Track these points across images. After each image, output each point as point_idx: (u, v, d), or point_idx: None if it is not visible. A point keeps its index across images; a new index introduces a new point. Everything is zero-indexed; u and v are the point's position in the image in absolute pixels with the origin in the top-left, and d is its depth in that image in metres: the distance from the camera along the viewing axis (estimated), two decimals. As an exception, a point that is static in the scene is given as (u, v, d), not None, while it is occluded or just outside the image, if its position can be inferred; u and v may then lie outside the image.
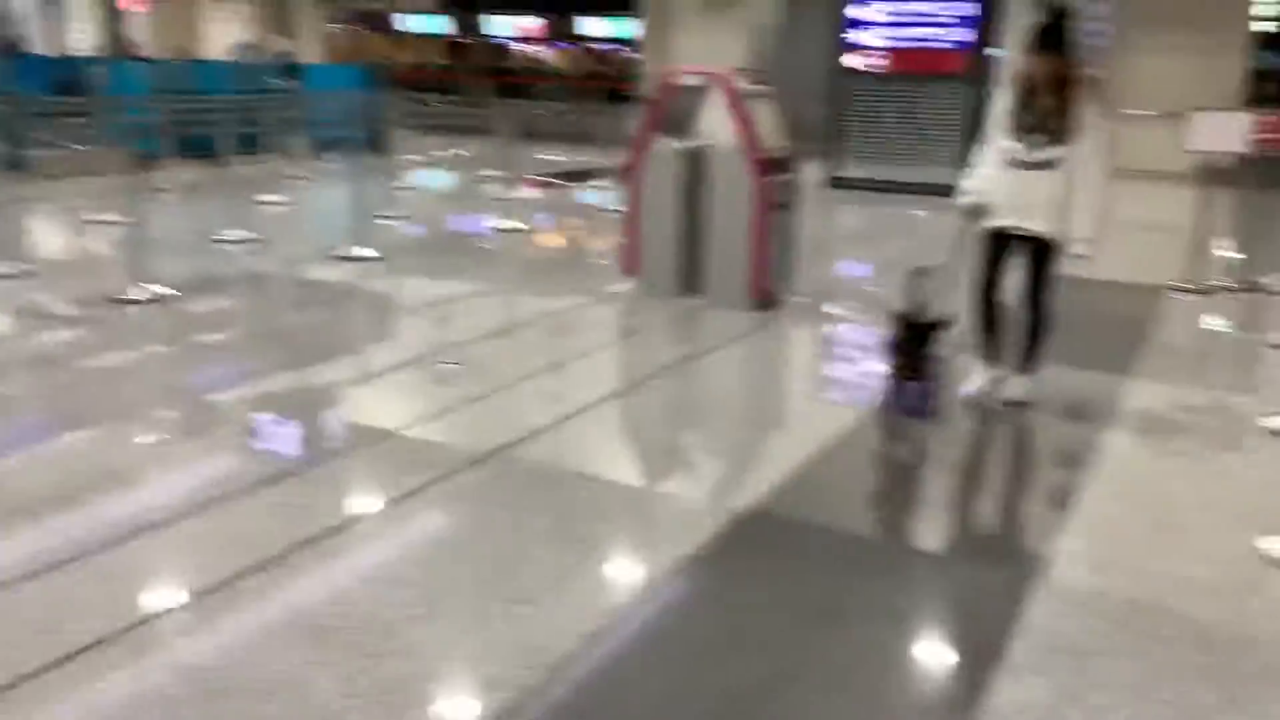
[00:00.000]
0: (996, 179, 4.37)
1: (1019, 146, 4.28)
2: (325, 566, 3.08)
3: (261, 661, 2.58)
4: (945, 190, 12.40)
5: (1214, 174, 7.49)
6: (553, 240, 9.63)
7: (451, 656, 2.66)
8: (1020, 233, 4.35)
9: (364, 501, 3.58)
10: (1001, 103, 4.40)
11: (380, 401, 4.73)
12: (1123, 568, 3.21)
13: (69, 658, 2.56)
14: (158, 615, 2.81)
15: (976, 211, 4.46)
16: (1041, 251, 4.37)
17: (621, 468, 3.98)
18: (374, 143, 14.85)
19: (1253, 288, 7.37)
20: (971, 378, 4.65)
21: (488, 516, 3.43)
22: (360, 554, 3.21)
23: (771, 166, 6.10)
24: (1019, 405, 4.54)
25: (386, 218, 9.33)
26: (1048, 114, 4.21)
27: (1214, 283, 7.42)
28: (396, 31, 32.64)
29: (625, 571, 3.19)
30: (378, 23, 31.61)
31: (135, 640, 2.67)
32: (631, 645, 2.74)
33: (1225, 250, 8.08)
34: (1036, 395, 4.59)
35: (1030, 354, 4.58)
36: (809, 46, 19.51)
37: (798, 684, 2.56)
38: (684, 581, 3.07)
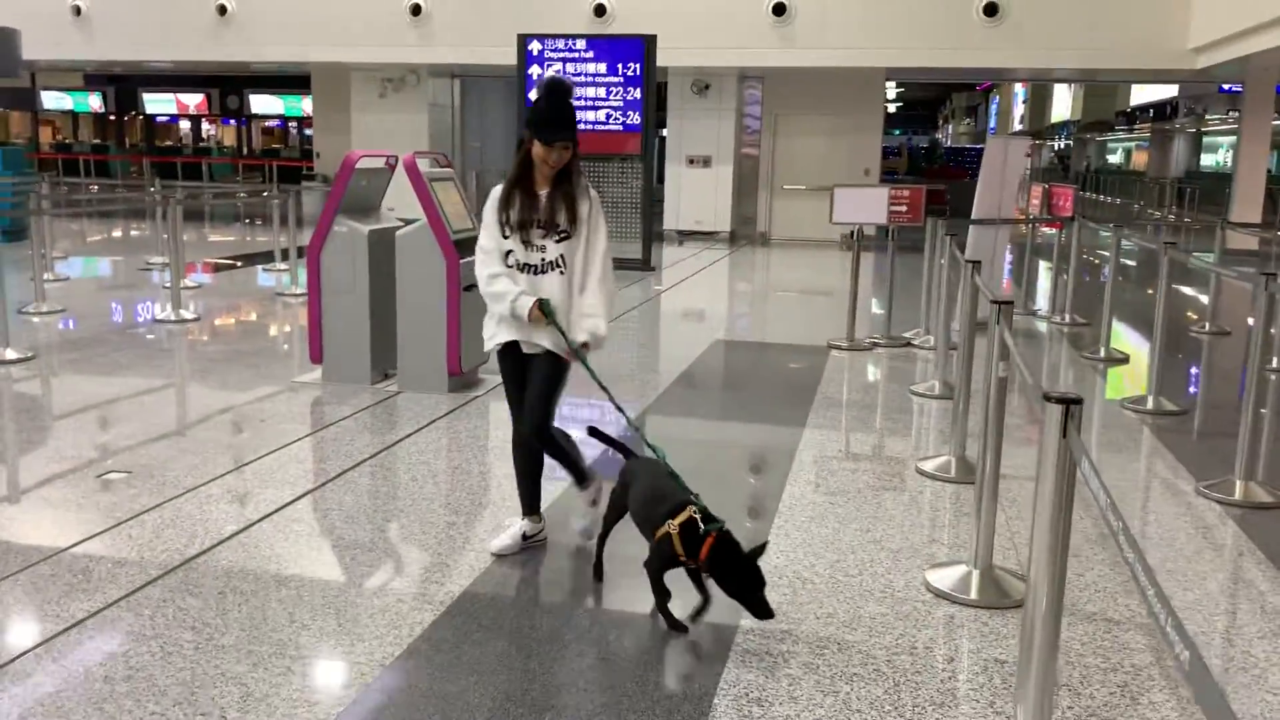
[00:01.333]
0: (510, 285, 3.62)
1: (518, 246, 3.60)
2: (-27, 720, 2.69)
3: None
4: (631, 264, 13.02)
5: (861, 241, 8.35)
6: (231, 329, 9.09)
7: None
8: (530, 350, 3.69)
9: (23, 634, 3.17)
10: (494, 195, 3.66)
11: (37, 518, 4.22)
12: (807, 611, 3.44)
13: None
14: None
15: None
16: (554, 363, 3.69)
17: (320, 567, 3.79)
18: (16, 231, 13.46)
19: (899, 342, 8.27)
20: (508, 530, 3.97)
21: (172, 638, 3.14)
22: (18, 697, 2.83)
23: (460, 248, 6.13)
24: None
25: (35, 313, 8.44)
26: (555, 207, 3.57)
27: (867, 340, 8.24)
28: (41, 109, 29.98)
29: (327, 677, 3.02)
30: (19, 100, 28.92)
31: None
32: (341, 758, 2.59)
33: (875, 309, 9.00)
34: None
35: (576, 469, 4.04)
36: (494, 127, 19.96)
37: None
38: (392, 678, 2.95)
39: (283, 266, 11.60)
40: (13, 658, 3.02)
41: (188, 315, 8.88)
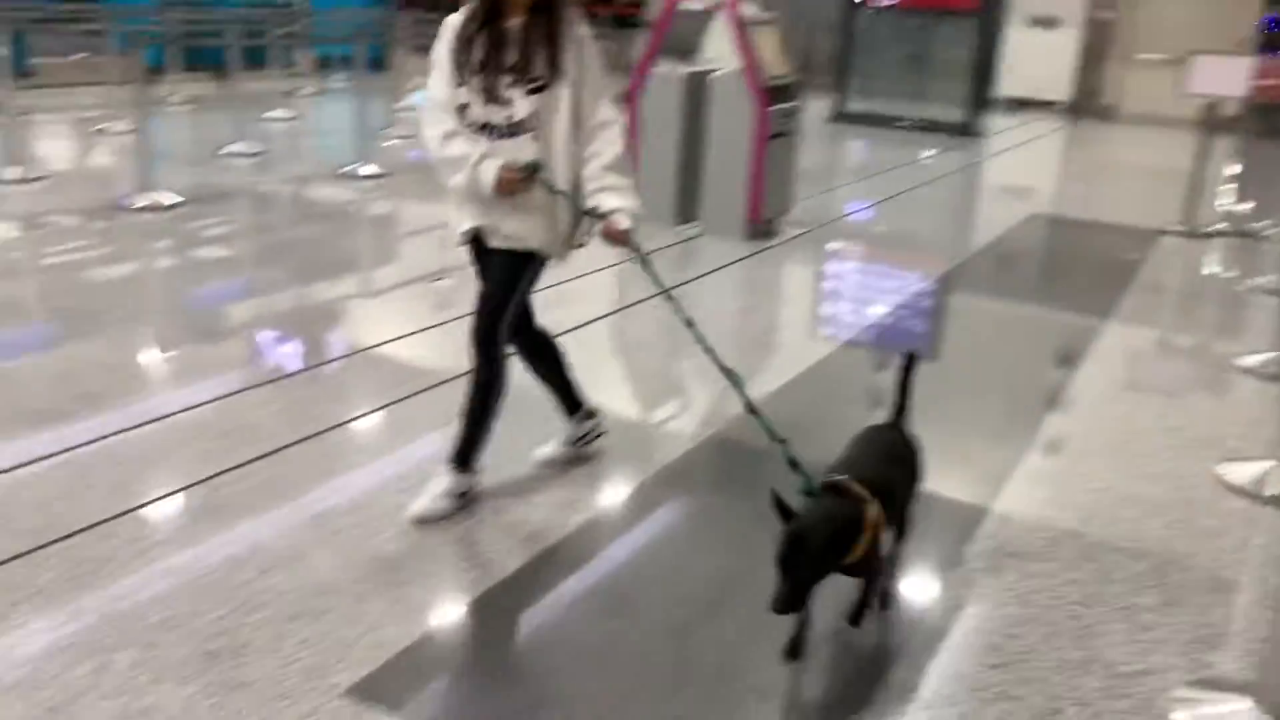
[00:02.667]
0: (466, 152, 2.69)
1: (476, 99, 2.67)
2: (328, 459, 3.25)
3: (266, 540, 2.75)
4: (951, 128, 12.40)
5: (1215, 120, 7.52)
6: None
7: (445, 538, 2.82)
8: (494, 243, 2.81)
9: (364, 404, 3.73)
10: (449, 25, 2.73)
11: (381, 317, 4.86)
12: (1080, 486, 3.36)
13: (69, 536, 2.73)
14: (163, 497, 2.97)
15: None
16: (509, 266, 2.82)
17: (608, 386, 4.13)
18: (380, 61, 14.76)
19: (1246, 233, 7.46)
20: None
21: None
22: (361, 450, 3.38)
23: (773, 95, 6.15)
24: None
25: (391, 137, 9.37)
26: (531, 45, 2.63)
27: (1209, 228, 7.50)
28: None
29: (611, 477, 3.34)
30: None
31: (138, 520, 2.84)
32: (625, 535, 2.92)
33: (1222, 196, 8.14)
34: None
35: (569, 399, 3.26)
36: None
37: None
38: (657, 490, 3.24)
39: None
40: (355, 421, 3.58)
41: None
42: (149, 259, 5.70)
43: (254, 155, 8.22)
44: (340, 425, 3.49)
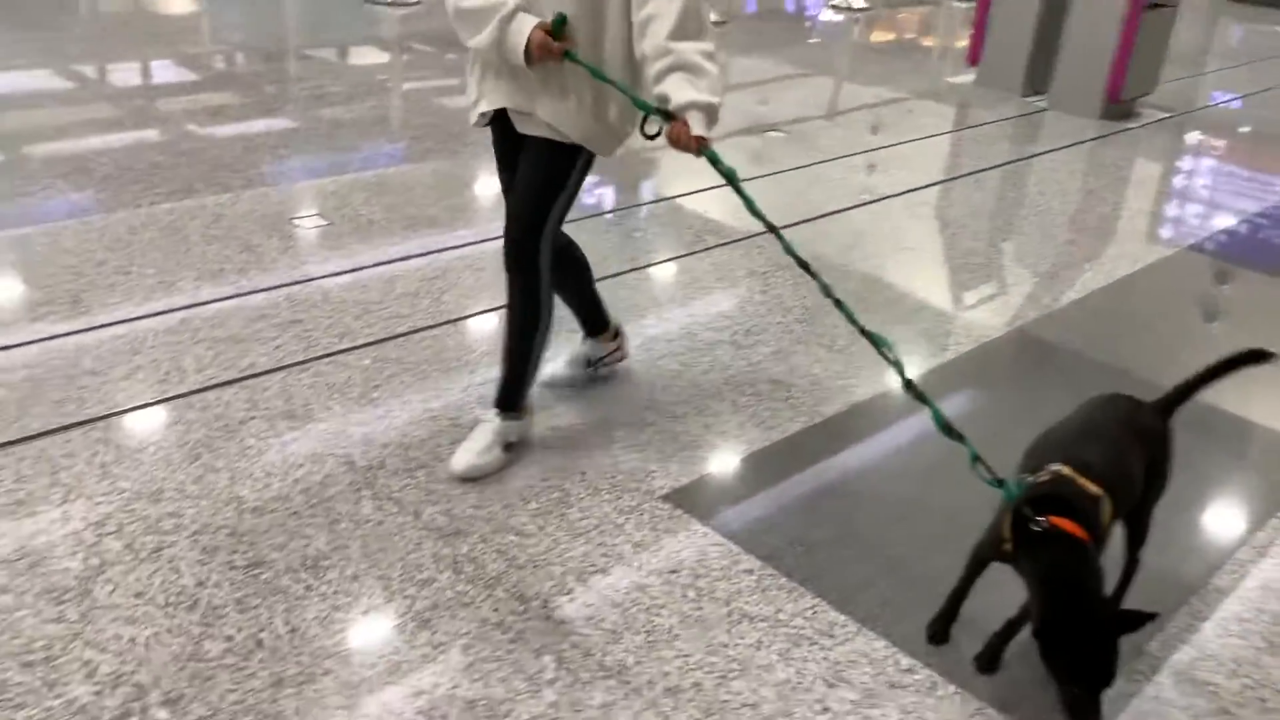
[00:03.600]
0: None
1: None
2: (651, 293, 3.42)
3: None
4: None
5: None
6: (896, 23, 9.27)
7: (761, 375, 2.93)
8: (526, 129, 2.21)
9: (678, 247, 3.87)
10: None
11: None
12: None
13: (431, 328, 3.05)
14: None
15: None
16: (549, 162, 2.21)
17: (934, 249, 4.03)
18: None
19: None
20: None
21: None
22: (684, 288, 3.54)
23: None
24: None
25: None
26: None
27: None
28: None
29: (911, 364, 3.30)
30: None
31: (483, 322, 3.13)
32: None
33: None
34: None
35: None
36: None
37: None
38: (975, 370, 3.17)
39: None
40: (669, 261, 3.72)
41: (858, 5, 9.21)
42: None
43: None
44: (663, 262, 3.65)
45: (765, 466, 2.54)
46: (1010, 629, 1.85)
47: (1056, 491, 1.65)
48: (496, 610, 1.96)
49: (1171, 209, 5.03)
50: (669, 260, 3.65)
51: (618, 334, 2.79)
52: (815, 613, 2.02)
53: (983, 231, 4.26)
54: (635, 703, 1.78)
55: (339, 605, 1.94)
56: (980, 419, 2.84)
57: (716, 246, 3.77)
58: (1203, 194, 5.24)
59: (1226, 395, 2.24)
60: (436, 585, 2.01)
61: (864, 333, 1.93)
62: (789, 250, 2.00)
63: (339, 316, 3.01)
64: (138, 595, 1.92)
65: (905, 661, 1.92)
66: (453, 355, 2.87)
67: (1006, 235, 4.26)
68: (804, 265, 1.99)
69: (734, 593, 2.06)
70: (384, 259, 3.43)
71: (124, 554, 2.02)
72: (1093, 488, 1.67)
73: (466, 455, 2.36)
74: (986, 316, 3.45)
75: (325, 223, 3.68)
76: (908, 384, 1.89)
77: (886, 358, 1.90)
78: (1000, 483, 1.67)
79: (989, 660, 1.89)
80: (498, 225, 2.33)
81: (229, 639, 1.85)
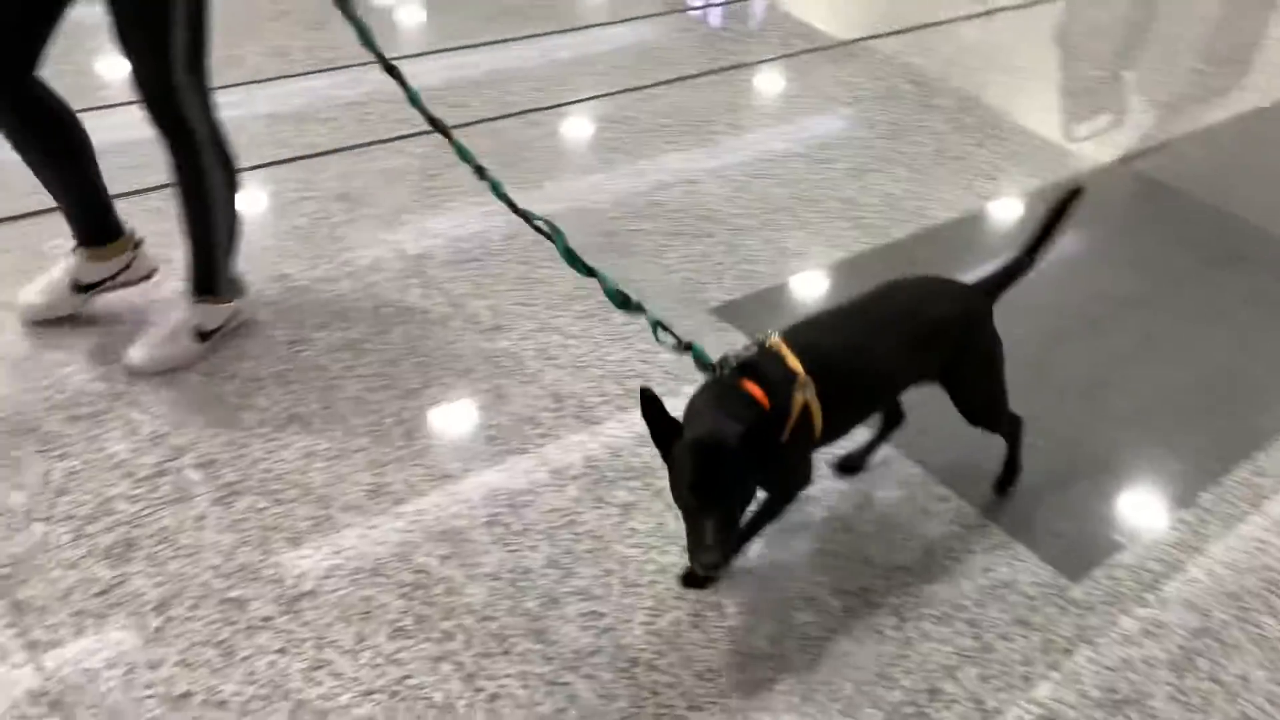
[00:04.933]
0: None
1: None
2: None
3: (668, 165, 2.86)
4: None
5: None
6: None
7: (831, 192, 2.80)
8: None
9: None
10: None
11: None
12: None
13: (512, 115, 2.96)
14: (589, 98, 3.13)
15: None
16: None
17: (1008, 87, 3.74)
18: None
19: None
20: None
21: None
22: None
23: None
24: None
25: None
26: None
27: None
28: None
29: (999, 190, 3.10)
30: None
31: (564, 114, 3.03)
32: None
33: None
34: None
35: None
36: None
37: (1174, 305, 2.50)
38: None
39: None
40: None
41: None
42: None
43: None
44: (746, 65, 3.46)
45: (821, 287, 2.45)
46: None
47: (753, 359, 1.49)
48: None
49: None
50: (759, 63, 3.45)
51: (137, 245, 2.05)
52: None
53: (1101, 55, 3.93)
54: (653, 503, 1.79)
55: (373, 387, 1.97)
56: (1066, 260, 2.69)
57: (804, 52, 3.55)
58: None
59: None
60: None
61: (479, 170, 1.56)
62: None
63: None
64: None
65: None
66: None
67: (1125, 60, 3.93)
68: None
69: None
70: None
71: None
72: (795, 365, 1.48)
73: (28, 295, 1.97)
74: (1088, 146, 3.22)
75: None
76: (569, 255, 1.52)
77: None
78: (689, 347, 1.50)
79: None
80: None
81: (263, 410, 1.89)
